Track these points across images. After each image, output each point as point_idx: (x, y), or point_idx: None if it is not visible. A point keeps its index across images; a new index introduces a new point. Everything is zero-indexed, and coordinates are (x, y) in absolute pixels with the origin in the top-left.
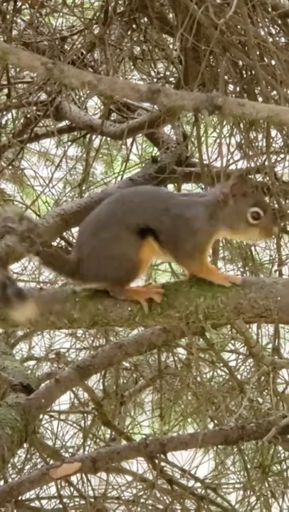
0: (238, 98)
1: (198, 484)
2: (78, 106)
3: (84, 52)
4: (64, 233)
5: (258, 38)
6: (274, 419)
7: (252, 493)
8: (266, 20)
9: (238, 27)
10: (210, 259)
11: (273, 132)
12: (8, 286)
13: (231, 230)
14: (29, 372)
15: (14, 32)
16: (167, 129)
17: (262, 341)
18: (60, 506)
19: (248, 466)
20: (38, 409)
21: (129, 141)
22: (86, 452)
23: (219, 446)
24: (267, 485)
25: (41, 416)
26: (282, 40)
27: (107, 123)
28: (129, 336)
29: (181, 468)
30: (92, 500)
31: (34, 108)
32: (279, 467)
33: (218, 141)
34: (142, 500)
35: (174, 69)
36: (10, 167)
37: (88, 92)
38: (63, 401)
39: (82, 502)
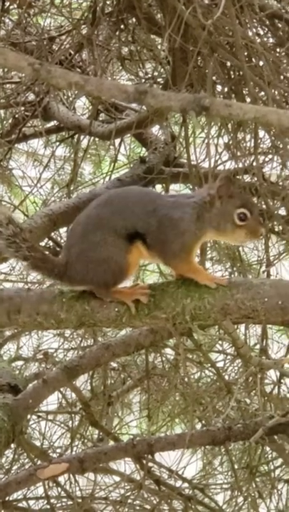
0: (226, 99)
1: (186, 484)
2: (66, 106)
3: (72, 52)
4: (52, 233)
5: (246, 39)
6: (261, 419)
7: (239, 493)
8: (254, 21)
9: (226, 28)
10: (198, 259)
11: (261, 133)
12: None
13: (218, 231)
14: (17, 372)
15: (2, 32)
16: (155, 129)
17: (249, 342)
18: (48, 507)
19: (236, 467)
20: (26, 409)
21: (117, 141)
22: (74, 453)
23: (207, 447)
24: (254, 485)
25: (29, 416)
26: (270, 40)
27: (95, 123)
28: (116, 336)
29: (168, 468)
30: (80, 500)
31: (22, 108)
32: (266, 468)
33: (206, 141)
34: (129, 501)
35: (162, 69)
36: None
37: (76, 92)
38: (51, 401)
39: (70, 502)
